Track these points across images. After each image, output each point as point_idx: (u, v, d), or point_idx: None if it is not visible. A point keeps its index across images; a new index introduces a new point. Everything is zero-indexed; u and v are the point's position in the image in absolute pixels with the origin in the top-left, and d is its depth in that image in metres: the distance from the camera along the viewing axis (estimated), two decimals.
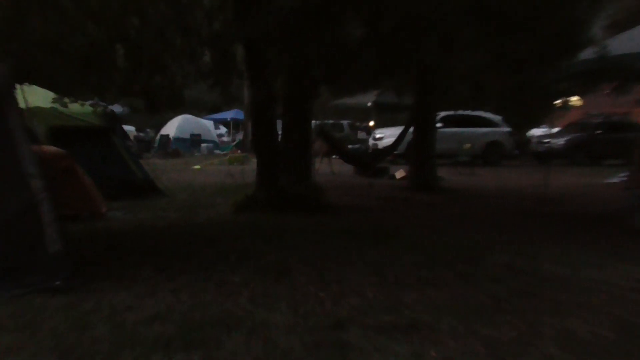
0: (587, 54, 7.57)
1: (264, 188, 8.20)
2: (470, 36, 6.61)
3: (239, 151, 25.43)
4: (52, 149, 7.03)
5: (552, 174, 12.56)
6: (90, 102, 9.09)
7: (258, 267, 4.76)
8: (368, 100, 22.24)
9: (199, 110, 36.71)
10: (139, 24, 6.73)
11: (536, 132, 25.45)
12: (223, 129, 36.75)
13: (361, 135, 27.16)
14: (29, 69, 5.90)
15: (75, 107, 8.60)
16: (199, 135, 29.72)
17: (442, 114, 19.06)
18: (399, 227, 6.72)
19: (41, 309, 3.74)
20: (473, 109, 19.03)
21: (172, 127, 29.42)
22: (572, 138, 20.13)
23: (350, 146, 18.86)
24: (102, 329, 3.38)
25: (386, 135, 18.38)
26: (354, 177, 13.51)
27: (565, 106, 20.82)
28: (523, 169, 17.67)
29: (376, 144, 18.86)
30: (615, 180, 12.16)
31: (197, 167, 17.88)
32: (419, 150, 11.07)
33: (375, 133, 19.98)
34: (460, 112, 19.28)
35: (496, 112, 20.25)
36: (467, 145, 18.97)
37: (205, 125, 31.31)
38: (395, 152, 14.61)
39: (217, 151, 28.29)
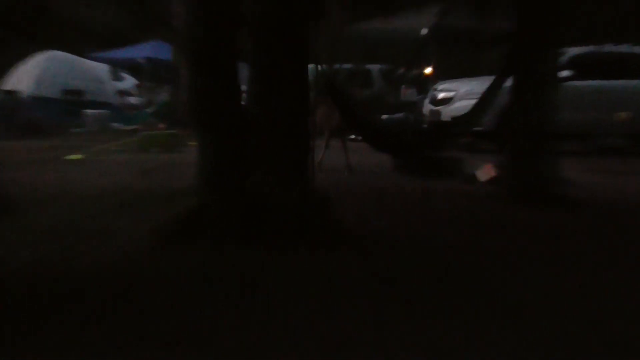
0: None
1: (216, 198, 4.81)
2: None
3: (161, 125, 15.22)
4: None
5: None
6: None
7: None
8: (421, 24, 14.18)
9: (84, 43, 19.48)
10: None
11: None
12: (129, 80, 20.36)
13: (407, 94, 17.10)
14: None
15: None
16: (80, 92, 17.63)
17: (573, 51, 11.39)
18: (498, 290, 3.62)
19: None
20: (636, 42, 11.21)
21: (27, 77, 16.96)
22: None
23: (385, 116, 12.55)
24: None
25: (457, 94, 11.60)
26: (394, 177, 8.42)
27: None
28: None
29: (437, 112, 12.02)
30: None
31: (77, 156, 10.29)
32: (524, 126, 6.47)
33: (435, 90, 12.74)
34: (611, 47, 11.56)
35: None
36: (624, 115, 11.27)
37: (94, 73, 18.39)
38: (476, 129, 8.89)
39: (118, 124, 16.60)
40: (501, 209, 6.10)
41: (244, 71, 4.82)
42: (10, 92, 15.80)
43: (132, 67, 20.21)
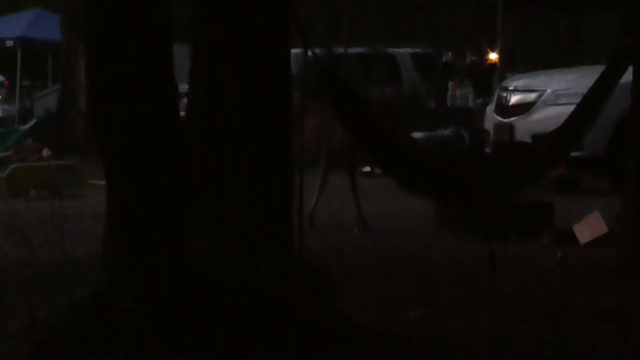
0: None
1: (132, 277, 3.55)
2: None
3: (45, 152, 11.58)
4: None
5: None
6: None
7: None
8: None
9: None
10: None
11: None
12: None
13: (458, 96, 13.03)
14: None
15: None
16: None
17: None
18: None
19: None
20: None
21: None
22: None
23: (420, 133, 9.88)
24: None
25: (543, 97, 9.38)
26: (436, 237, 6.86)
27: None
28: None
29: (508, 126, 9.62)
30: None
31: None
32: None
33: (505, 89, 10.16)
34: None
35: None
36: None
37: None
38: (575, 155, 7.48)
39: None
40: (615, 293, 4.77)
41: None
42: None
43: None
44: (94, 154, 4.34)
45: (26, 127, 12.51)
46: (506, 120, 9.17)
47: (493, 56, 12.70)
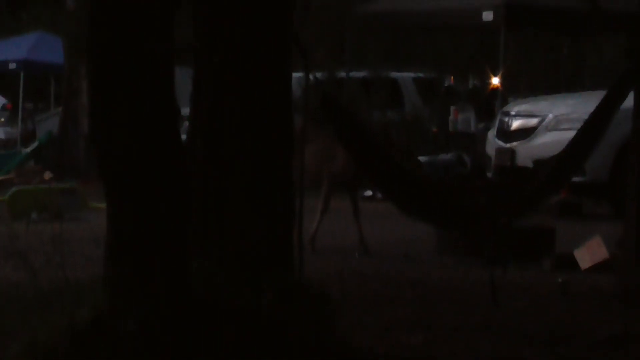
0: None
1: (130, 301, 3.52)
2: None
3: (47, 174, 11.77)
4: None
5: None
6: None
7: None
8: (483, 3, 10.97)
9: None
10: None
11: None
12: None
13: (460, 120, 13.21)
14: None
15: None
16: None
17: None
18: None
19: None
20: None
21: None
22: None
23: (422, 157, 9.77)
24: None
25: (544, 122, 9.58)
26: (438, 262, 6.84)
27: None
28: None
29: (510, 151, 9.75)
30: None
31: None
32: None
33: (506, 114, 10.31)
34: None
35: None
36: None
37: None
38: (577, 180, 7.69)
39: None
40: (617, 320, 4.71)
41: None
42: None
43: None
44: (96, 176, 4.36)
45: (28, 149, 12.59)
46: (508, 145, 9.14)
47: (495, 81, 12.68)
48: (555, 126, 8.68)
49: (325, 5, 12.85)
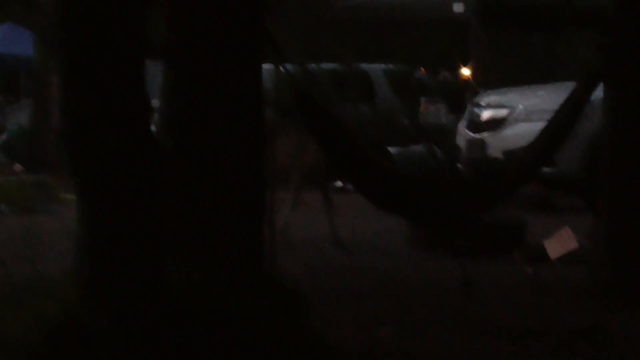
0: None
1: (100, 301, 3.52)
2: None
3: (17, 166, 11.88)
4: None
5: None
6: None
7: None
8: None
9: None
10: None
11: None
12: None
13: (431, 112, 13.63)
14: None
15: None
16: None
17: None
18: None
19: None
20: None
21: None
22: None
23: (393, 149, 9.67)
24: None
25: (514, 113, 9.50)
26: (409, 254, 6.77)
27: None
28: None
29: (480, 142, 9.62)
30: None
31: None
32: (628, 168, 5.06)
33: (477, 105, 10.29)
34: None
35: None
36: None
37: None
38: (546, 171, 7.68)
39: None
40: (587, 313, 4.72)
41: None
42: None
43: None
44: (67, 169, 4.15)
45: None
46: (478, 136, 9.05)
47: (466, 72, 12.72)
48: (525, 117, 8.54)
49: None
